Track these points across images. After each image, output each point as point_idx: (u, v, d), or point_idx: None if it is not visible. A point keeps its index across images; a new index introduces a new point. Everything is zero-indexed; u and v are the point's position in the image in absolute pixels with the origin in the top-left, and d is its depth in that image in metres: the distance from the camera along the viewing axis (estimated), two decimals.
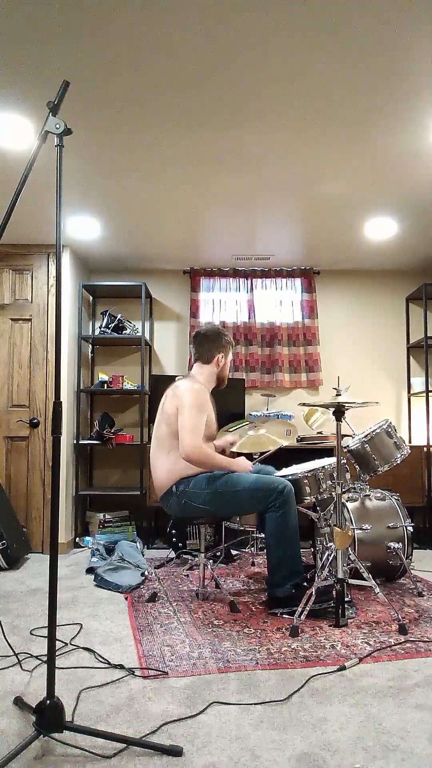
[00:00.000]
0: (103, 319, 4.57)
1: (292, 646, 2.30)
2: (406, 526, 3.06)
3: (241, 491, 2.71)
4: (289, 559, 2.71)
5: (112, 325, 4.53)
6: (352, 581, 2.65)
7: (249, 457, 3.75)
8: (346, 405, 2.66)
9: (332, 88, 2.38)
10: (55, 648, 1.59)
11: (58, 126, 1.63)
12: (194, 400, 2.77)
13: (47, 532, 4.10)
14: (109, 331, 4.52)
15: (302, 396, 4.87)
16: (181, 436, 2.71)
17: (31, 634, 2.48)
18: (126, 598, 2.99)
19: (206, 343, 3.00)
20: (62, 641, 2.37)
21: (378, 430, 3.07)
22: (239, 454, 3.24)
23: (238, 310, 4.85)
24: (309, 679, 2.00)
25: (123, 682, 2.00)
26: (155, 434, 2.94)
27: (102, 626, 2.57)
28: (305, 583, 2.73)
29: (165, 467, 2.83)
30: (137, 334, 4.52)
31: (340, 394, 2.68)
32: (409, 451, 3.10)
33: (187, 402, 2.76)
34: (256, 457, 3.70)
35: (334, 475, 2.88)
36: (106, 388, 4.45)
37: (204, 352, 3.00)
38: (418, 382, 4.69)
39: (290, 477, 2.89)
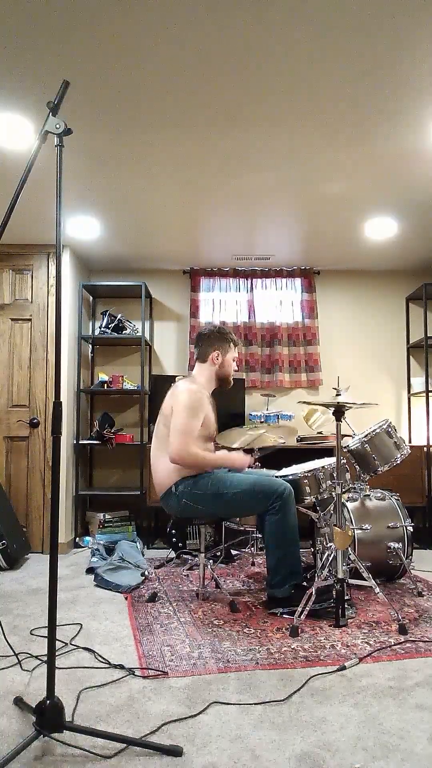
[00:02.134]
0: (103, 319, 4.57)
1: (292, 646, 2.30)
2: (406, 526, 3.05)
3: (240, 493, 2.70)
4: (288, 561, 2.71)
5: (112, 325, 4.53)
6: (352, 581, 2.65)
7: (249, 453, 3.75)
8: (346, 405, 2.66)
9: (332, 89, 2.38)
10: (55, 648, 1.60)
11: (58, 126, 1.63)
12: (188, 402, 2.76)
13: (47, 532, 4.10)
14: (109, 331, 4.52)
15: (302, 396, 4.87)
16: (170, 439, 2.71)
17: (31, 634, 2.48)
18: (126, 598, 2.99)
19: (202, 341, 3.01)
20: (62, 641, 2.37)
21: (378, 430, 3.07)
22: (244, 451, 3.21)
23: (238, 310, 4.85)
24: (309, 679, 2.00)
25: (123, 682, 2.00)
26: (155, 434, 2.94)
27: (102, 626, 2.57)
28: (304, 584, 2.73)
29: (165, 467, 2.83)
30: (137, 334, 4.52)
31: (340, 394, 2.68)
32: (409, 451, 3.10)
33: (181, 404, 2.76)
34: (255, 456, 3.70)
35: (334, 475, 2.88)
36: (106, 388, 4.45)
37: (201, 351, 3.01)
38: (418, 382, 4.69)
39: (290, 477, 2.89)
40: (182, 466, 2.72)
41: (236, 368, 3.10)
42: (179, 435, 2.70)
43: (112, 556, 3.56)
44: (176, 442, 2.69)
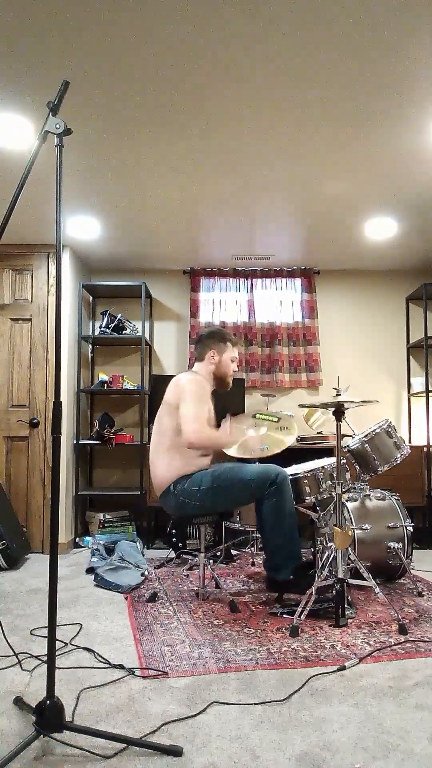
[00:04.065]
0: (103, 319, 4.57)
1: (292, 646, 2.30)
2: (406, 526, 3.05)
3: (236, 483, 2.73)
4: (287, 545, 2.72)
5: (112, 325, 4.52)
6: (352, 581, 2.65)
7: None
8: (346, 405, 2.66)
9: (332, 89, 2.38)
10: (55, 648, 1.60)
11: (58, 126, 1.63)
12: (195, 391, 2.79)
13: (47, 532, 4.09)
14: (109, 331, 4.52)
15: (302, 396, 4.87)
16: (183, 426, 2.72)
17: (31, 634, 2.48)
18: (126, 598, 2.99)
19: (199, 341, 3.06)
20: (62, 641, 2.37)
21: (378, 430, 3.07)
22: (240, 460, 3.16)
23: (238, 310, 4.84)
24: (309, 679, 2.00)
25: (123, 682, 2.00)
26: (156, 429, 2.94)
27: (102, 626, 2.57)
28: (304, 560, 2.74)
29: (164, 465, 2.84)
30: (137, 334, 4.51)
31: (340, 394, 2.68)
32: (409, 451, 3.10)
33: (188, 392, 2.79)
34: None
35: (334, 475, 2.88)
36: (106, 388, 4.45)
37: (198, 350, 3.05)
38: (418, 382, 4.69)
39: (290, 477, 2.89)
40: (199, 448, 2.75)
41: (236, 369, 3.10)
42: (192, 420, 2.71)
43: (112, 556, 3.56)
44: (190, 426, 2.70)
